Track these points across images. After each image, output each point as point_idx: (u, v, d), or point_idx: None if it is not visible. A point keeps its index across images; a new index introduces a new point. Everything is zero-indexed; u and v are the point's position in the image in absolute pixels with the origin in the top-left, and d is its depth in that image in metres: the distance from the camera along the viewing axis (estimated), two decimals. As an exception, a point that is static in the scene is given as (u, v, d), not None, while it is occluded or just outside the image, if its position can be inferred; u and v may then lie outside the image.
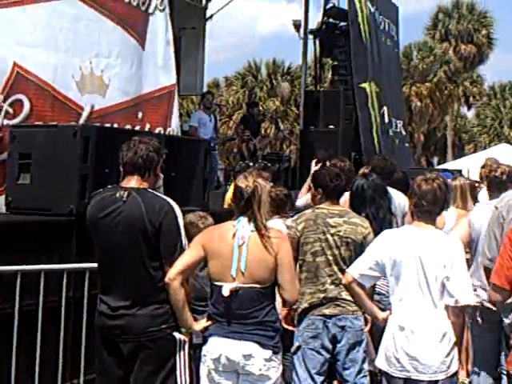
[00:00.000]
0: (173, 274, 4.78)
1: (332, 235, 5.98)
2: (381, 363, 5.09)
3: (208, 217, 6.67)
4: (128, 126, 9.77)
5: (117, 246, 5.03)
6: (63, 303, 6.60)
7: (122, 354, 5.07)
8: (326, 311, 5.92)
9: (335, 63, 18.04)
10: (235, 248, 4.72)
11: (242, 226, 4.76)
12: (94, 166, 7.40)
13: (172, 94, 10.85)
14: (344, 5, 17.51)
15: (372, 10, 17.95)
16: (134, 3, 10.35)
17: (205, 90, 19.66)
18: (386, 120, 18.10)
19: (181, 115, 14.28)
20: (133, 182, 5.09)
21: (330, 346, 5.93)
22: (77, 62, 9.22)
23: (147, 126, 10.23)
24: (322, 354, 5.93)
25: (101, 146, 7.49)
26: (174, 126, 10.77)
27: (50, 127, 7.71)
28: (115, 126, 9.53)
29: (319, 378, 5.95)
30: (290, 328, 6.05)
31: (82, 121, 8.99)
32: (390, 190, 7.31)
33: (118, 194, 5.04)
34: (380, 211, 6.80)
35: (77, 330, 6.61)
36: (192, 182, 9.22)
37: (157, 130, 10.38)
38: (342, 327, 5.89)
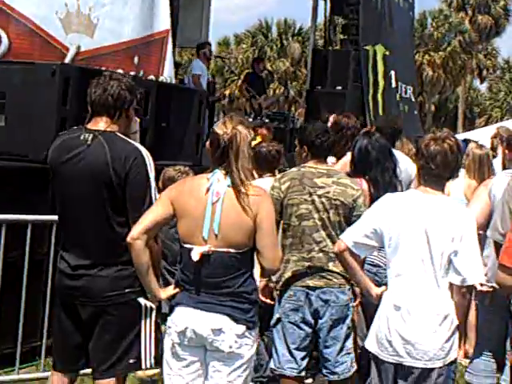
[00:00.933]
0: (136, 232, 4.11)
1: (319, 197, 5.40)
2: (371, 345, 4.40)
3: (190, 172, 6.08)
4: (120, 71, 9.07)
5: (77, 196, 4.42)
6: (26, 258, 6.01)
7: (81, 318, 4.51)
8: (310, 282, 5.36)
9: (345, 22, 17.25)
10: (208, 205, 4.03)
11: (218, 180, 4.05)
12: (74, 110, 6.78)
13: (165, 41, 10.12)
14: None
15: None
16: None
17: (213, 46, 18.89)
18: (393, 84, 17.28)
19: (179, 65, 13.60)
20: (101, 123, 4.44)
21: (311, 321, 5.39)
22: (61, -3, 8.50)
23: (141, 73, 9.55)
24: (302, 329, 5.40)
25: (82, 87, 6.86)
26: (167, 75, 10.06)
27: (27, 65, 7.01)
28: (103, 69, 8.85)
29: (299, 354, 5.42)
30: (268, 301, 5.49)
31: (66, 61, 8.29)
32: (396, 152, 6.67)
33: (82, 137, 4.40)
34: (385, 174, 6.13)
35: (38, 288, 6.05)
36: (184, 134, 8.61)
37: (149, 78, 9.72)
38: (326, 301, 5.33)
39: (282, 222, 5.45)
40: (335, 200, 5.37)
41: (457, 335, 4.34)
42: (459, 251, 4.19)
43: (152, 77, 9.78)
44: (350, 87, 15.97)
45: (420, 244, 4.22)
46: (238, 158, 4.01)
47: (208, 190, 4.06)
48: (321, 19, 17.37)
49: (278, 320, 5.43)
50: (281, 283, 5.46)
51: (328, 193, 5.38)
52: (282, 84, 45.20)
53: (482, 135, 19.09)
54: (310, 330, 5.39)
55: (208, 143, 4.18)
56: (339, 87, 16.00)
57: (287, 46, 47.87)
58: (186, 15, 17.69)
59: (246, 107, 15.93)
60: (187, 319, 4.12)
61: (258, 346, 4.79)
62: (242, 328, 4.10)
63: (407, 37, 19.24)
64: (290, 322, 5.38)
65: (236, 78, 40.61)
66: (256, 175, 6.34)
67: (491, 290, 5.37)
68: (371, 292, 4.49)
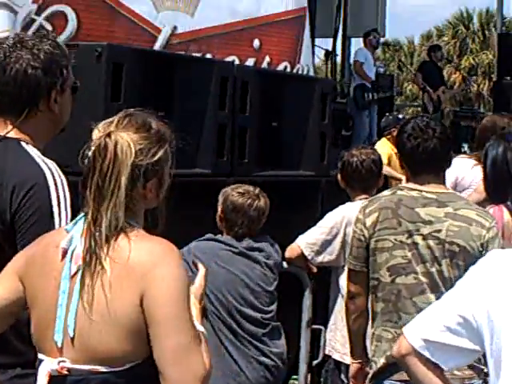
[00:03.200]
0: None
1: (425, 238, 3.60)
2: None
3: (262, 196, 4.49)
4: (233, 58, 7.43)
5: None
6: None
7: None
8: None
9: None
10: (63, 283, 2.22)
11: (81, 234, 2.27)
12: (131, 107, 5.19)
13: (302, 21, 8.43)
14: None
15: None
16: None
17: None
18: None
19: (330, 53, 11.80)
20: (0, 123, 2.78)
21: None
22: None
23: (266, 60, 7.88)
24: None
25: (140, 76, 5.31)
26: (305, 63, 8.34)
27: (70, 47, 5.44)
28: (209, 56, 7.22)
29: None
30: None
31: (157, 47, 6.72)
32: None
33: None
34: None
35: None
36: (304, 136, 6.83)
37: (281, 67, 8.01)
38: None
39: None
40: (451, 244, 3.57)
41: None
42: None
43: (286, 64, 8.10)
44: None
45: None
46: (104, 190, 2.21)
47: (65, 252, 2.25)
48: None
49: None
50: (371, 374, 3.69)
51: (439, 232, 3.59)
52: (485, 78, 42.39)
53: None
54: None
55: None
56: (530, 75, 13.66)
57: (490, 37, 44.63)
58: (358, 3, 16.05)
59: (424, 100, 13.98)
60: None
61: None
62: None
63: None
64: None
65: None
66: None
67: None
68: None
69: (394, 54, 24.63)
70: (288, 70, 8.20)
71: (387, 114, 9.58)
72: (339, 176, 5.04)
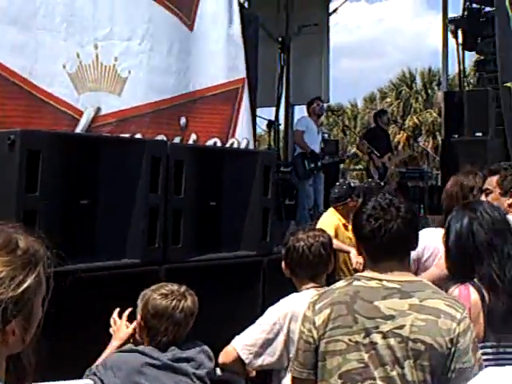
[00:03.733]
0: None
1: (385, 336, 3.03)
2: None
3: (188, 295, 3.99)
4: (161, 137, 6.96)
5: None
6: None
7: None
8: None
9: (481, 57, 14.68)
10: None
11: None
12: (49, 197, 4.70)
13: (240, 93, 7.99)
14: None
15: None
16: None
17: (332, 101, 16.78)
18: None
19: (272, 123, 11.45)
20: None
21: None
22: (72, 46, 6.48)
23: (192, 138, 7.41)
24: None
25: (60, 163, 4.82)
26: (241, 136, 7.88)
27: (-23, 137, 4.92)
28: (139, 136, 6.75)
29: None
30: None
31: (79, 130, 6.23)
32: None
33: None
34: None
35: None
36: (244, 214, 6.36)
37: (210, 142, 7.55)
38: None
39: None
40: (415, 342, 3.02)
41: None
42: None
43: (215, 140, 7.64)
44: (492, 133, 13.40)
45: None
46: None
47: None
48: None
49: None
50: None
51: (402, 328, 3.04)
52: (430, 136, 42.65)
53: None
54: None
55: None
56: (479, 134, 13.48)
57: (433, 95, 45.00)
58: (303, 70, 15.92)
59: (368, 166, 13.66)
60: None
61: None
62: None
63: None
64: None
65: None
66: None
67: None
68: None
69: (338, 118, 24.48)
70: (219, 145, 7.73)
71: (338, 182, 9.23)
72: (283, 263, 4.45)
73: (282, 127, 16.17)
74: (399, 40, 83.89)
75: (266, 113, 16.41)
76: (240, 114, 7.96)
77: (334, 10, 16.96)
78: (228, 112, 7.86)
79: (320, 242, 4.32)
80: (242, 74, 8.16)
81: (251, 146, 8.14)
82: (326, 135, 15.14)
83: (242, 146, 7.88)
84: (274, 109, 16.17)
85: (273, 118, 14.63)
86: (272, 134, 13.32)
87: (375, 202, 3.27)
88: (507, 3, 13.66)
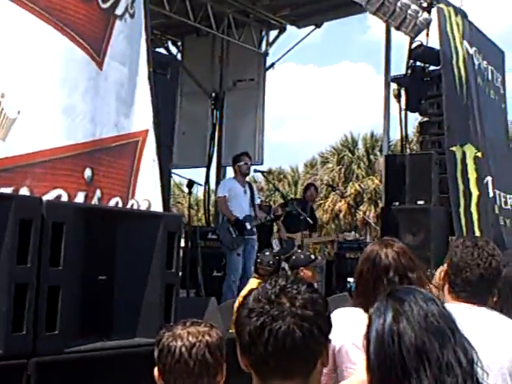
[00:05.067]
0: None
1: None
2: None
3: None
4: (58, 192, 5.82)
5: None
6: None
7: None
8: None
9: (425, 119, 13.85)
10: None
11: None
12: None
13: (142, 147, 6.87)
14: (434, 43, 13.43)
15: (470, 51, 13.71)
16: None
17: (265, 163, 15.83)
18: (491, 194, 13.50)
19: (192, 184, 10.36)
20: None
21: None
22: None
23: (96, 195, 6.27)
24: None
25: None
26: (142, 197, 6.73)
27: None
28: (25, 191, 5.58)
29: None
30: None
31: None
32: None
33: None
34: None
35: None
36: (142, 291, 5.23)
37: (111, 203, 6.40)
38: None
39: None
40: None
41: None
42: None
43: (117, 200, 6.51)
44: (435, 200, 12.48)
45: None
46: None
47: None
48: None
49: None
50: None
51: None
52: (371, 204, 42.19)
53: None
54: None
55: None
56: (421, 201, 12.52)
57: (375, 162, 44.41)
58: (237, 126, 15.06)
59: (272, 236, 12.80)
60: None
61: None
62: None
63: (501, 134, 15.57)
64: None
65: (322, 201, 37.49)
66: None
67: None
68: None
69: (278, 183, 23.64)
70: (119, 205, 6.57)
71: (299, 250, 8.30)
72: (155, 370, 3.08)
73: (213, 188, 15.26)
74: (345, 104, 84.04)
75: (198, 174, 15.52)
76: (140, 171, 6.82)
77: (271, 65, 16.09)
78: (127, 168, 6.72)
79: (205, 343, 3.06)
80: (146, 125, 7.05)
81: (157, 208, 6.96)
82: (258, 200, 14.11)
83: (142, 208, 6.73)
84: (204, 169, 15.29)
85: (201, 180, 13.56)
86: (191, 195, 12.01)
87: (261, 290, 2.26)
88: (454, 61, 12.96)
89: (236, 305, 2.23)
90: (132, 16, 7.04)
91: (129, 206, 6.48)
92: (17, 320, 4.36)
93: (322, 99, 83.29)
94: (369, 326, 2.41)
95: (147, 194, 6.73)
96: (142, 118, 6.90)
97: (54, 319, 4.55)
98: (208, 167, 15.41)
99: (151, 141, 6.88)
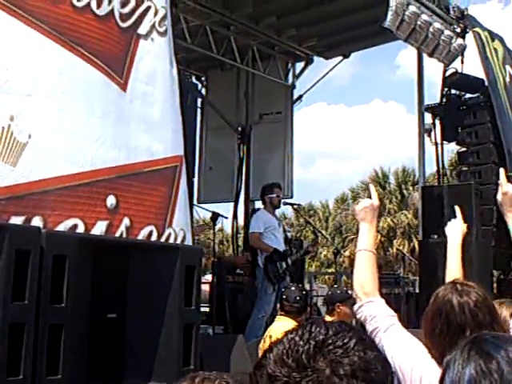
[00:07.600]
0: None
1: None
2: None
3: None
4: (74, 222, 5.29)
5: None
6: None
7: None
8: None
9: (462, 149, 13.22)
10: None
11: None
12: None
13: (180, 173, 6.44)
14: (470, 70, 12.94)
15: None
16: (101, 11, 6.11)
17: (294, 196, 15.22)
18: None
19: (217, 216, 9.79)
20: None
21: None
22: None
23: (124, 223, 5.74)
24: None
25: None
26: (178, 226, 6.24)
27: None
28: (37, 221, 5.04)
29: None
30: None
31: None
32: None
33: None
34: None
35: None
36: (158, 331, 4.66)
37: (144, 232, 5.87)
38: None
39: None
40: None
41: None
42: None
43: (151, 228, 5.98)
44: (477, 232, 11.76)
45: None
46: None
47: None
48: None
49: None
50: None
51: None
52: (405, 239, 41.46)
53: None
54: None
55: None
56: (461, 234, 11.81)
57: (408, 196, 43.59)
58: (264, 161, 14.59)
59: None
60: None
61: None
62: None
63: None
64: None
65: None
66: None
67: None
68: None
69: (309, 218, 23.09)
70: (154, 237, 6.05)
71: (335, 285, 7.82)
72: None
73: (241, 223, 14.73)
74: (375, 142, 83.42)
75: (225, 208, 15.02)
76: (178, 199, 6.34)
77: (299, 98, 15.56)
78: (163, 194, 6.22)
79: None
80: (180, 150, 6.60)
81: (188, 241, 6.46)
82: (288, 234, 13.55)
83: (179, 239, 6.23)
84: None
85: (224, 212, 12.97)
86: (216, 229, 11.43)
87: (287, 343, 1.54)
88: (500, 86, 12.38)
89: (261, 347, 1.64)
90: (162, 34, 6.60)
91: (165, 236, 6.00)
92: (12, 365, 3.82)
93: (352, 137, 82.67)
94: (443, 374, 1.78)
95: (183, 224, 6.23)
96: (176, 142, 6.46)
97: (56, 362, 4.02)
98: (236, 202, 14.86)
99: (184, 167, 6.43)
